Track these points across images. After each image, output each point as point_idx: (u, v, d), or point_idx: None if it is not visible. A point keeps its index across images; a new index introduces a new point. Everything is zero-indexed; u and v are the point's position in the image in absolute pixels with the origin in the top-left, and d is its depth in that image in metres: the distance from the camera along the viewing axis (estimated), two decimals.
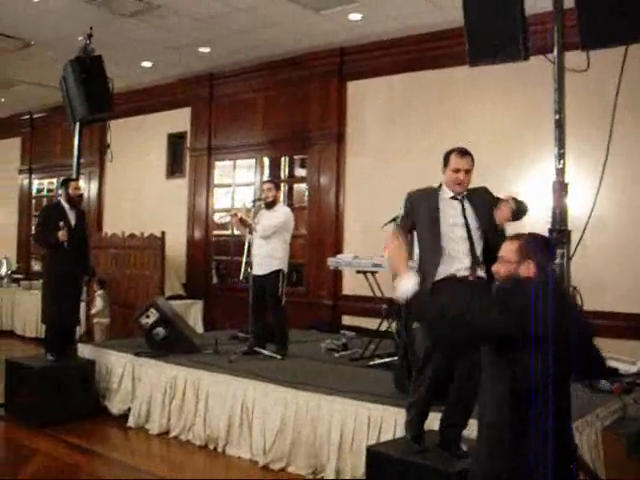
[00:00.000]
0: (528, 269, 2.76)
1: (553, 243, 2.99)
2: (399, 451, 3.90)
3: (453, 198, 4.15)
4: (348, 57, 9.14)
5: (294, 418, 5.19)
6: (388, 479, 3.81)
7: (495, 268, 2.91)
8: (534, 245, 2.84)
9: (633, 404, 5.41)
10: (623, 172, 5.98)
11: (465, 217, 4.08)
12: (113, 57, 7.04)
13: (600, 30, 3.90)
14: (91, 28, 6.75)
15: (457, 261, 4.02)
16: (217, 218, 10.87)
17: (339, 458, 4.87)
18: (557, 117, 3.98)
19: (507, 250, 2.87)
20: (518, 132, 7.63)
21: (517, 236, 2.95)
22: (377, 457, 3.92)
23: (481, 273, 3.98)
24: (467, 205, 4.12)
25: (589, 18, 3.88)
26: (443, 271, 3.99)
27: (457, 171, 4.06)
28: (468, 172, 4.07)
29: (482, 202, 4.10)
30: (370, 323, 8.33)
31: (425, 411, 4.04)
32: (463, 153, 4.09)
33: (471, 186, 4.15)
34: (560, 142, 3.97)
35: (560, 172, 3.95)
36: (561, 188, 3.90)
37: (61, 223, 6.45)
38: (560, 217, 3.88)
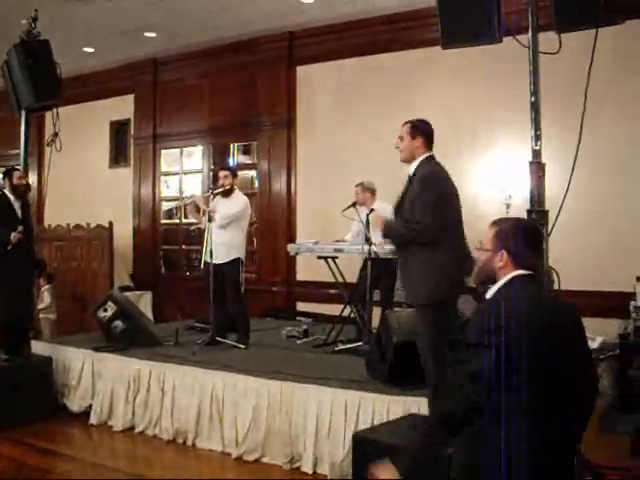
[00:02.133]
0: (501, 259, 2.60)
1: (537, 232, 2.85)
2: (386, 436, 3.89)
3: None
4: (298, 41, 9.04)
5: (267, 408, 5.12)
6: None
7: (476, 254, 2.79)
8: (510, 233, 2.64)
9: (599, 379, 5.55)
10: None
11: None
12: (52, 42, 6.73)
13: (573, 13, 3.94)
14: (36, 10, 6.45)
15: None
16: (169, 205, 10.65)
17: (316, 446, 4.84)
18: (532, 99, 3.99)
19: (486, 237, 2.71)
20: (472, 115, 7.70)
21: (497, 222, 2.77)
22: (364, 443, 3.89)
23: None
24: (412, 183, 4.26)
25: (563, 1, 3.92)
26: None
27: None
28: (400, 139, 4.28)
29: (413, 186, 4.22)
30: (326, 309, 8.32)
31: None
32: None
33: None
34: (536, 124, 3.99)
35: (537, 153, 3.97)
36: (538, 169, 3.92)
37: (19, 227, 6.22)
38: (538, 198, 3.91)
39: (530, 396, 2.37)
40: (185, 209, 8.27)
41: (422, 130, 4.24)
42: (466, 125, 7.68)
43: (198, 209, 6.90)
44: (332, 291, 7.81)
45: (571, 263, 6.48)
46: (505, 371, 2.32)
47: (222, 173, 6.96)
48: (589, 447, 4.60)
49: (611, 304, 6.57)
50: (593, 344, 6.04)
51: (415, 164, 4.27)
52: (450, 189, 4.21)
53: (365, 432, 4.18)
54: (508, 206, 7.36)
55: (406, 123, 4.30)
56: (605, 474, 4.04)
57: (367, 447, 3.85)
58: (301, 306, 9.17)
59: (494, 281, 2.68)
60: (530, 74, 4.01)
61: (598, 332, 6.14)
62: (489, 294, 2.69)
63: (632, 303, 6.26)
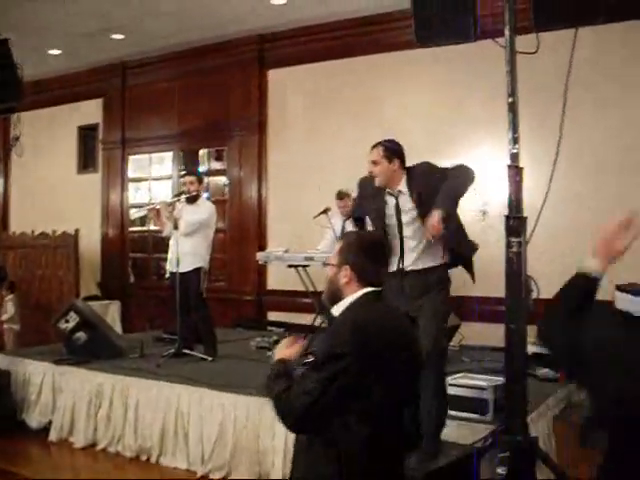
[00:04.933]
0: (345, 275, 2.52)
1: (381, 246, 2.80)
2: None
3: (389, 194, 4.13)
4: (269, 44, 8.84)
5: (234, 424, 4.90)
6: None
7: (327, 270, 2.69)
8: (350, 248, 2.58)
9: (577, 391, 5.40)
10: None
11: (398, 213, 4.09)
12: (17, 43, 6.48)
13: (552, 10, 3.79)
14: None
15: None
16: (132, 212, 10.37)
17: (285, 463, 4.61)
18: (510, 100, 3.83)
19: (334, 252, 2.66)
20: (447, 118, 7.54)
21: (344, 236, 2.86)
22: None
23: (415, 266, 4.07)
24: (402, 199, 4.08)
25: None
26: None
27: (369, 163, 4.11)
28: (375, 163, 4.07)
29: (423, 185, 4.04)
30: (297, 318, 8.10)
31: None
32: (372, 146, 4.14)
33: None
34: (514, 126, 3.82)
35: (515, 157, 3.80)
36: (516, 174, 3.75)
37: None
38: (517, 204, 3.74)
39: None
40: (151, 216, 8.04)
41: (396, 151, 4.11)
42: (441, 129, 7.52)
43: (159, 216, 6.67)
44: (304, 300, 7.59)
45: (550, 271, 6.34)
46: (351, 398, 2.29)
47: (187, 179, 6.73)
48: (570, 462, 4.46)
49: None
50: None
51: (403, 182, 4.10)
52: None
53: None
54: (484, 213, 7.21)
55: (377, 146, 4.10)
56: None
57: None
58: (272, 315, 8.94)
59: (341, 298, 2.56)
60: (507, 75, 3.84)
61: None
62: (336, 311, 2.56)
63: None
